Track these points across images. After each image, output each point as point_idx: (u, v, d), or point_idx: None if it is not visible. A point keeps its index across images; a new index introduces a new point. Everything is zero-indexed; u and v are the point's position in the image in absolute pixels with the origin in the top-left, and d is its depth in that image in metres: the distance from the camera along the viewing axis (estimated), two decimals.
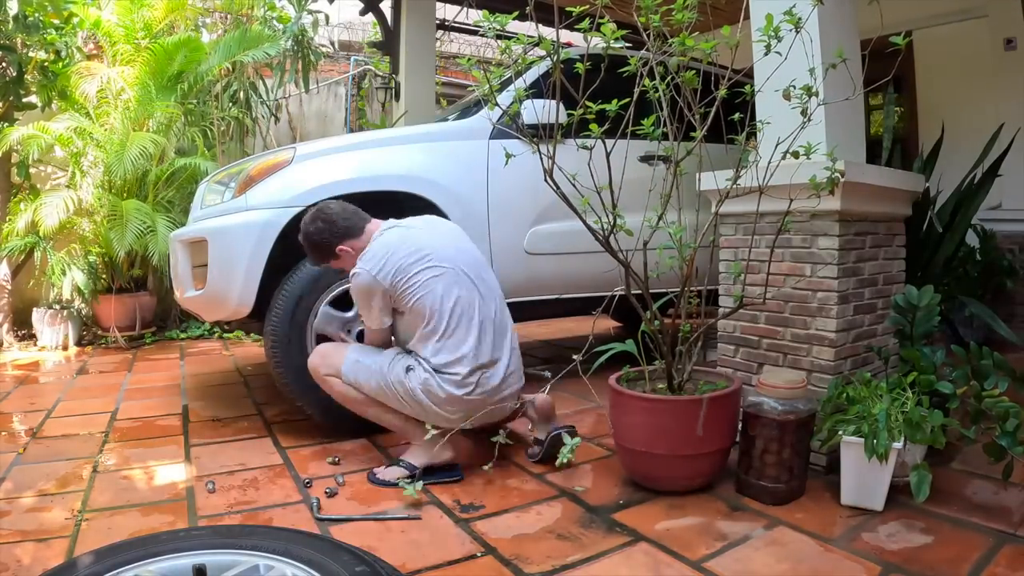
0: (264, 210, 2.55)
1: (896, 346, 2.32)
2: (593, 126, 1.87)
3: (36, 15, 4.61)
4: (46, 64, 4.81)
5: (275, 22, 5.96)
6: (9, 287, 4.83)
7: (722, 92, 1.85)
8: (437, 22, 5.84)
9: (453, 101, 6.30)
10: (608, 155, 1.87)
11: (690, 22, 1.88)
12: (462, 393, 2.05)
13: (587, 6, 1.73)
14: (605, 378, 2.10)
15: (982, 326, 3.20)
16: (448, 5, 5.93)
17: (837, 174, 1.84)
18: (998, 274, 3.78)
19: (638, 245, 1.98)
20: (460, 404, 2.06)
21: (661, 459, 1.96)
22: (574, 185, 1.93)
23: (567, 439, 1.87)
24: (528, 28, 2.27)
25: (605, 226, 1.96)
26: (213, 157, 5.03)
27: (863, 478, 1.84)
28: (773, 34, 1.79)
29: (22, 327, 4.92)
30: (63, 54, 4.90)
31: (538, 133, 2.14)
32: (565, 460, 1.85)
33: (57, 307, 4.75)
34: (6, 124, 4.61)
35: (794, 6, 1.77)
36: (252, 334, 4.55)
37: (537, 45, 1.90)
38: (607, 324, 4.06)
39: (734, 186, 1.99)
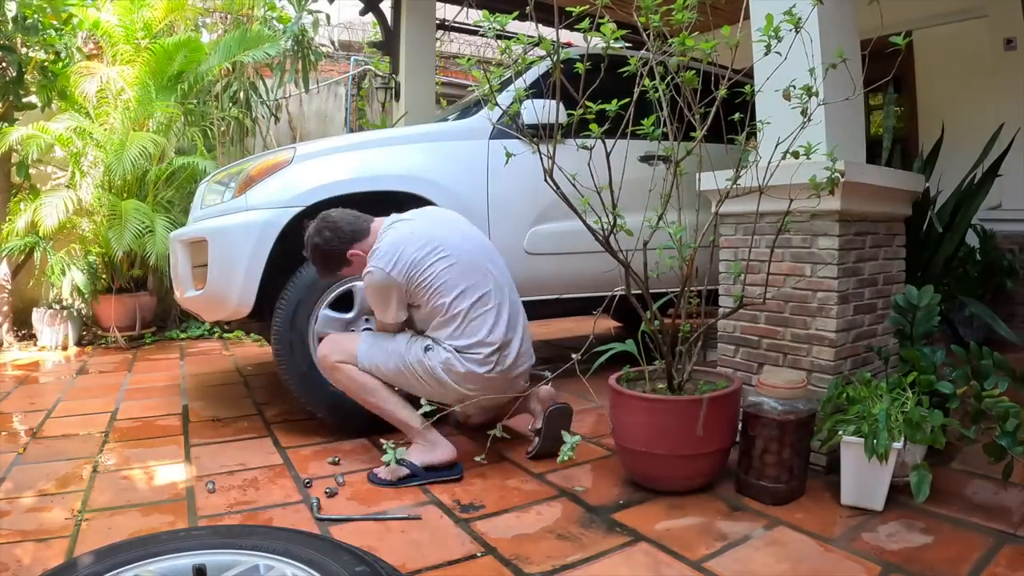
0: (264, 210, 2.55)
1: (896, 346, 2.32)
2: (593, 126, 1.87)
3: (35, 16, 4.61)
4: (46, 64, 4.81)
5: (275, 22, 5.96)
6: (9, 287, 4.83)
7: (722, 92, 1.85)
8: (437, 22, 5.83)
9: (453, 101, 6.30)
10: (608, 155, 1.87)
11: (690, 22, 1.87)
12: (484, 371, 2.09)
13: (587, 6, 1.73)
14: (605, 378, 2.10)
15: (982, 326, 3.20)
16: (448, 5, 5.93)
17: (837, 174, 1.84)
18: (998, 274, 3.78)
19: (638, 245, 1.98)
20: (480, 381, 2.10)
21: (661, 459, 1.96)
22: (574, 185, 1.93)
23: (567, 436, 1.87)
24: (528, 28, 2.27)
25: (605, 226, 1.96)
26: (213, 157, 5.03)
27: (863, 478, 1.84)
28: (773, 34, 1.79)
29: (22, 327, 4.92)
30: (63, 54, 4.90)
31: (538, 133, 2.14)
32: (567, 457, 1.85)
33: (57, 307, 4.75)
34: (6, 124, 4.61)
35: (794, 6, 1.77)
36: (252, 334, 4.54)
37: (537, 45, 1.90)
38: (607, 324, 4.06)
39: (734, 186, 1.99)
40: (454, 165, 2.85)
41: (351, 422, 2.48)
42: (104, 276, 4.91)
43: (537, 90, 2.49)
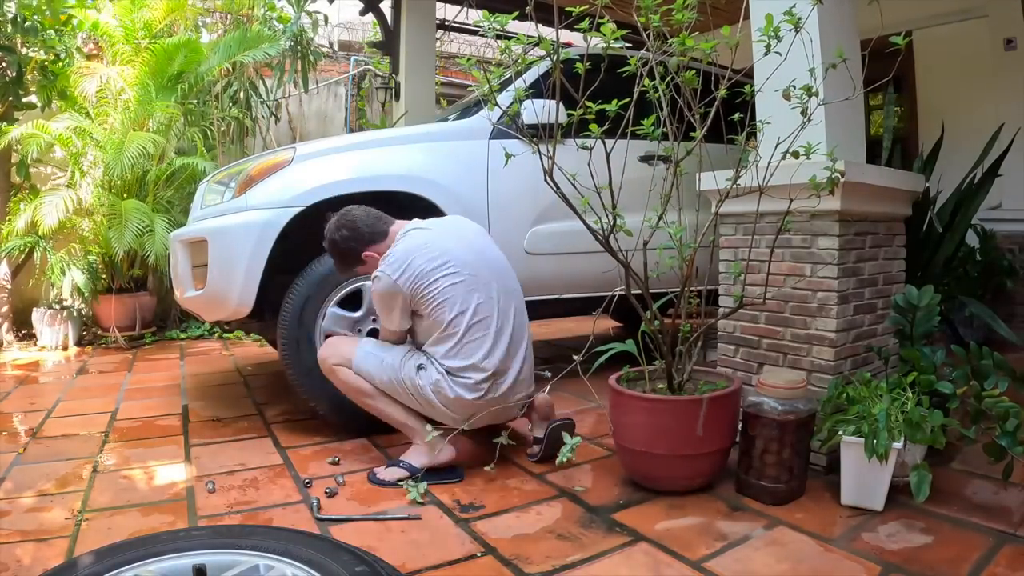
0: (264, 210, 2.55)
1: (896, 346, 2.32)
2: (593, 126, 1.87)
3: (34, 18, 4.61)
4: (46, 64, 4.81)
5: (275, 22, 5.96)
6: (9, 287, 4.83)
7: (722, 92, 1.85)
8: (437, 22, 5.84)
9: (453, 101, 6.30)
10: (608, 155, 1.87)
11: (690, 22, 1.87)
12: (472, 397, 2.06)
13: (587, 6, 1.73)
14: (605, 378, 2.10)
15: (982, 326, 3.20)
16: (448, 5, 5.93)
17: (837, 174, 1.84)
18: (998, 274, 3.78)
19: (638, 245, 1.98)
20: (468, 407, 2.07)
21: (661, 459, 1.96)
22: (574, 185, 1.93)
23: (567, 438, 1.87)
24: (528, 28, 2.27)
25: (605, 226, 1.96)
26: (213, 157, 5.03)
27: (863, 478, 1.84)
28: (773, 34, 1.79)
29: (22, 327, 4.92)
30: (63, 55, 4.90)
31: (538, 133, 2.14)
32: (565, 459, 1.85)
33: (57, 307, 4.75)
34: (5, 124, 4.61)
35: (794, 6, 1.77)
36: (252, 334, 4.55)
37: (537, 45, 1.90)
38: (607, 324, 4.06)
39: (734, 186, 1.99)
40: (454, 165, 2.85)
41: (354, 421, 2.48)
42: (104, 276, 4.91)
43: (537, 90, 2.49)
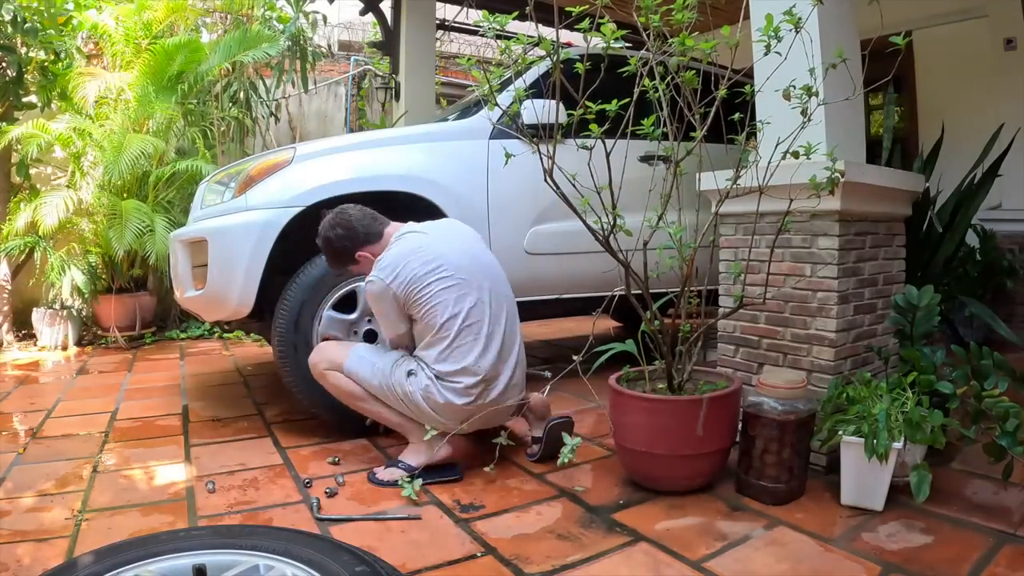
0: (264, 210, 2.55)
1: (896, 346, 2.32)
2: (593, 126, 1.87)
3: (34, 19, 4.61)
4: (46, 64, 4.81)
5: (275, 22, 5.97)
6: (9, 287, 4.83)
7: (722, 92, 1.85)
8: (437, 22, 5.84)
9: (453, 101, 6.30)
10: (608, 155, 1.87)
11: (690, 22, 1.87)
12: (462, 403, 2.06)
13: (587, 6, 1.73)
14: (605, 378, 2.10)
15: (982, 326, 3.20)
16: (448, 5, 5.93)
17: (837, 174, 1.84)
18: (998, 274, 3.78)
19: (638, 245, 1.98)
20: (458, 412, 2.07)
21: (661, 459, 1.96)
22: (574, 185, 1.93)
23: (567, 438, 1.87)
24: (528, 28, 2.27)
25: (605, 226, 1.96)
26: (213, 157, 5.03)
27: (863, 478, 1.84)
28: (773, 34, 1.79)
29: (22, 327, 4.92)
30: (63, 55, 4.90)
31: (538, 133, 2.14)
32: (566, 460, 1.85)
33: (57, 307, 4.75)
34: (5, 124, 4.61)
35: (794, 6, 1.77)
36: (252, 334, 4.55)
37: (537, 45, 1.90)
38: (607, 324, 4.06)
39: (734, 186, 1.99)
40: (454, 165, 2.85)
41: (352, 421, 2.48)
42: (104, 276, 4.91)
43: (537, 90, 2.49)
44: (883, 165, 2.95)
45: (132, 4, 4.88)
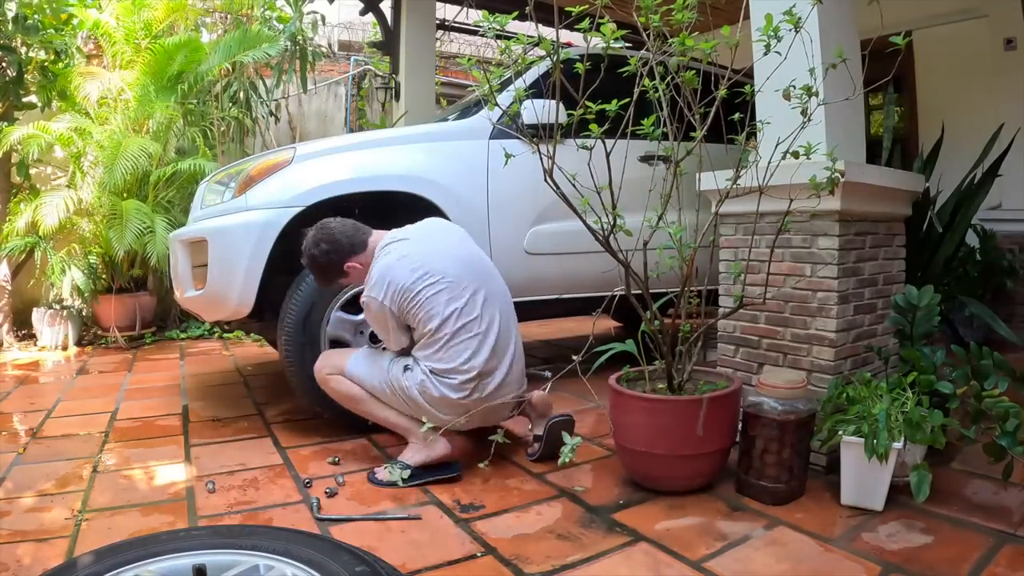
0: (264, 210, 2.55)
1: (896, 346, 2.32)
2: (593, 126, 1.87)
3: (35, 17, 4.61)
4: (46, 64, 4.81)
5: (275, 22, 5.97)
6: (9, 287, 4.83)
7: (722, 92, 1.85)
8: (437, 22, 5.83)
9: (453, 101, 6.30)
10: (608, 155, 1.87)
11: (690, 22, 1.87)
12: (457, 397, 2.07)
13: (587, 6, 1.73)
14: (605, 378, 2.10)
15: (982, 326, 3.20)
16: (448, 5, 5.93)
17: (837, 174, 1.84)
18: (998, 274, 3.78)
19: (638, 245, 1.98)
20: (454, 406, 2.08)
21: (661, 459, 1.96)
22: (574, 185, 1.93)
23: (567, 438, 1.87)
24: (528, 28, 2.27)
25: (605, 226, 1.96)
26: (213, 157, 5.03)
27: (863, 478, 1.84)
28: (773, 34, 1.79)
29: (22, 327, 4.92)
30: (63, 54, 4.90)
31: (538, 133, 2.14)
32: (566, 460, 1.85)
33: (57, 307, 4.75)
34: (6, 124, 4.61)
35: (794, 6, 1.77)
36: (252, 334, 4.55)
37: (537, 45, 1.90)
38: (607, 324, 4.06)
39: (734, 186, 1.99)
40: (454, 165, 2.85)
41: (355, 421, 2.47)
42: (104, 276, 4.91)
43: (537, 90, 2.49)
44: (883, 165, 2.95)
45: (131, 1, 4.87)
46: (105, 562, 1.40)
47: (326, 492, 2.03)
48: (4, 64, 4.62)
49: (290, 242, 2.54)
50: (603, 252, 2.00)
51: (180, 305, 3.25)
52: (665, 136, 1.96)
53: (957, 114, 4.08)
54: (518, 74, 2.16)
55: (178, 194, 4.98)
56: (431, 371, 2.08)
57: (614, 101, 1.90)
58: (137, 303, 4.84)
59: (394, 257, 2.13)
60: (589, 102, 1.86)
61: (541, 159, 1.94)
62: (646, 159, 2.88)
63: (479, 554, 1.66)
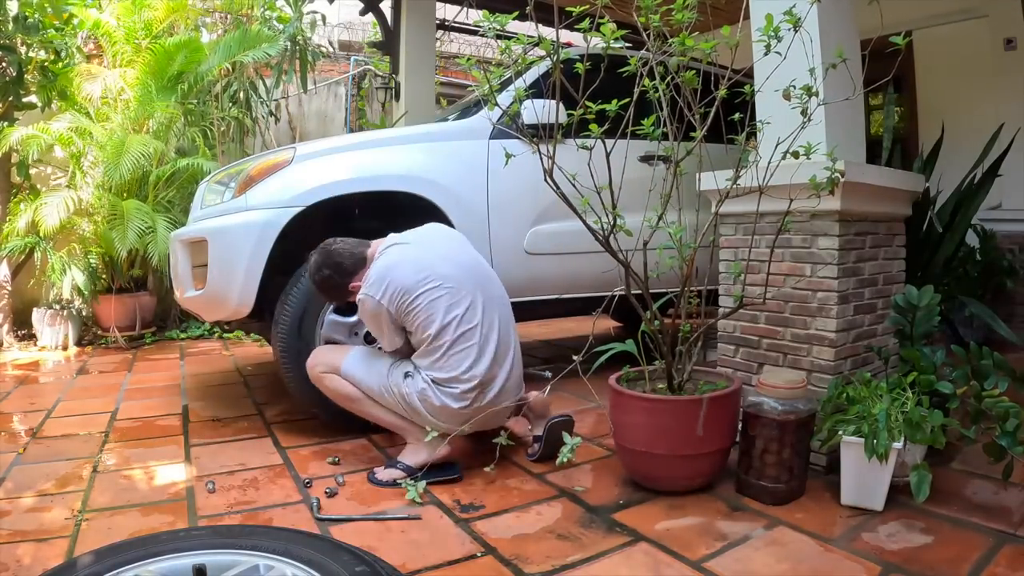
0: (264, 210, 2.55)
1: (896, 346, 2.32)
2: (593, 126, 1.87)
3: (36, 16, 4.61)
4: (46, 64, 4.81)
5: (275, 22, 5.97)
6: (9, 287, 4.83)
7: (722, 92, 1.85)
8: (437, 22, 5.84)
9: (453, 101, 6.30)
10: (608, 155, 1.87)
11: (690, 22, 1.87)
12: (458, 406, 2.06)
13: (587, 6, 1.73)
14: (605, 378, 2.10)
15: (982, 326, 3.20)
16: (448, 5, 5.93)
17: (837, 174, 1.84)
18: (998, 274, 3.78)
19: (638, 245, 1.98)
20: (454, 415, 2.07)
21: (661, 459, 1.96)
22: (574, 185, 1.93)
23: (567, 438, 1.87)
24: (528, 28, 2.27)
25: (605, 226, 1.96)
26: (213, 157, 5.03)
27: (863, 478, 1.84)
28: (773, 34, 1.79)
29: (22, 327, 4.92)
30: (63, 54, 4.90)
31: (538, 133, 2.14)
32: (566, 459, 1.85)
33: (57, 307, 4.75)
34: (6, 124, 4.61)
35: (794, 6, 1.77)
36: (252, 334, 4.55)
37: (537, 45, 1.90)
38: (607, 324, 4.06)
39: (734, 186, 1.99)
40: (454, 165, 2.85)
41: (353, 421, 2.47)
42: (104, 276, 4.91)
43: (537, 90, 2.49)
44: (883, 165, 2.95)
45: (131, 1, 4.87)
46: (105, 562, 1.40)
47: (326, 492, 2.03)
48: (4, 64, 4.62)
49: (290, 242, 2.54)
50: (603, 252, 2.00)
51: (180, 305, 3.25)
52: (665, 136, 1.96)
53: (957, 114, 4.08)
54: (518, 74, 2.16)
55: (178, 194, 4.98)
56: (432, 380, 2.07)
57: (614, 101, 1.90)
58: (137, 303, 4.84)
59: (395, 258, 2.12)
60: (589, 102, 1.86)
61: (541, 159, 1.94)
62: (646, 159, 2.88)
63: (479, 554, 1.66)
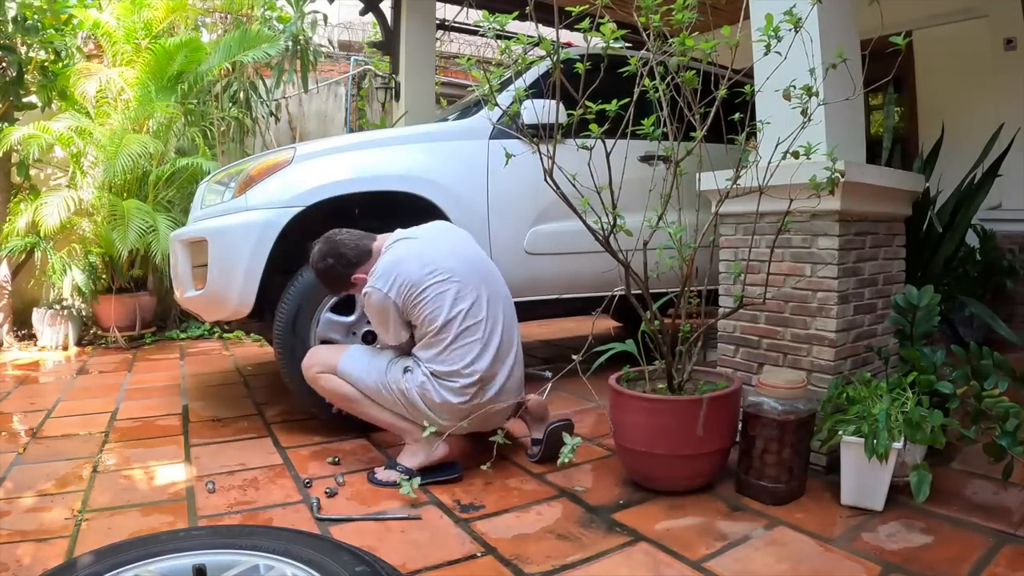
0: (264, 210, 2.55)
1: (896, 346, 2.32)
2: (593, 126, 1.87)
3: (35, 17, 4.62)
4: (46, 64, 4.81)
5: (275, 22, 5.97)
6: (9, 287, 4.83)
7: (722, 92, 1.85)
8: (437, 22, 5.84)
9: (453, 101, 6.30)
10: (608, 155, 1.87)
11: (690, 22, 1.87)
12: (458, 401, 2.06)
13: (587, 6, 1.73)
14: (605, 378, 2.10)
15: (982, 326, 3.20)
16: (448, 5, 5.93)
17: (837, 174, 1.84)
18: (998, 274, 3.78)
19: (638, 245, 1.98)
20: (454, 411, 2.07)
21: (661, 459, 1.96)
22: (574, 185, 1.93)
23: (567, 439, 1.87)
24: (528, 28, 2.27)
25: (605, 226, 1.96)
26: (213, 157, 5.03)
27: (863, 478, 1.84)
28: (773, 34, 1.79)
29: (22, 327, 4.92)
30: (63, 54, 4.90)
31: (538, 133, 2.14)
32: (566, 460, 1.85)
33: (57, 307, 4.75)
34: (6, 124, 4.61)
35: (794, 6, 1.77)
36: (252, 334, 4.55)
37: (537, 45, 1.90)
38: (607, 324, 4.06)
39: (734, 186, 1.99)
40: (454, 165, 2.85)
41: (353, 421, 2.48)
42: (104, 276, 4.91)
43: (537, 90, 2.49)
44: (883, 165, 2.95)
45: (131, 1, 4.87)
46: (105, 562, 1.40)
47: (326, 492, 2.03)
48: (4, 64, 4.63)
49: (290, 242, 2.54)
50: (603, 252, 2.00)
51: (180, 305, 3.25)
52: (665, 136, 1.96)
53: (957, 114, 4.08)
54: (518, 74, 2.16)
55: (178, 194, 4.98)
56: (432, 373, 2.07)
57: (614, 101, 1.90)
58: (137, 303, 4.84)
59: (403, 253, 2.12)
60: (589, 102, 1.86)
61: (541, 159, 1.94)
62: (646, 159, 2.88)
63: (479, 554, 1.66)
